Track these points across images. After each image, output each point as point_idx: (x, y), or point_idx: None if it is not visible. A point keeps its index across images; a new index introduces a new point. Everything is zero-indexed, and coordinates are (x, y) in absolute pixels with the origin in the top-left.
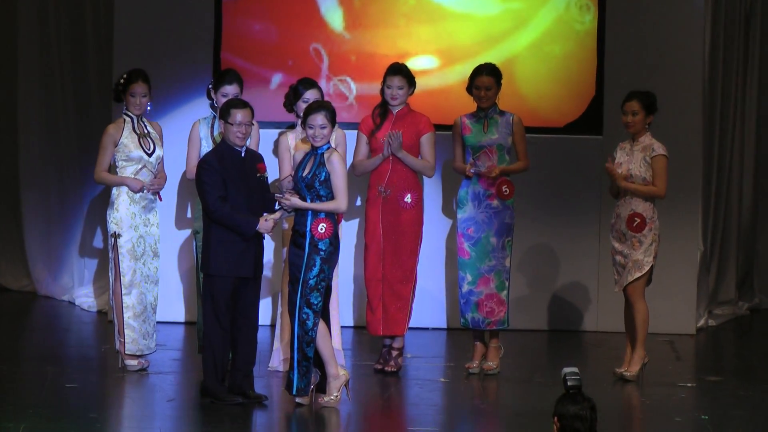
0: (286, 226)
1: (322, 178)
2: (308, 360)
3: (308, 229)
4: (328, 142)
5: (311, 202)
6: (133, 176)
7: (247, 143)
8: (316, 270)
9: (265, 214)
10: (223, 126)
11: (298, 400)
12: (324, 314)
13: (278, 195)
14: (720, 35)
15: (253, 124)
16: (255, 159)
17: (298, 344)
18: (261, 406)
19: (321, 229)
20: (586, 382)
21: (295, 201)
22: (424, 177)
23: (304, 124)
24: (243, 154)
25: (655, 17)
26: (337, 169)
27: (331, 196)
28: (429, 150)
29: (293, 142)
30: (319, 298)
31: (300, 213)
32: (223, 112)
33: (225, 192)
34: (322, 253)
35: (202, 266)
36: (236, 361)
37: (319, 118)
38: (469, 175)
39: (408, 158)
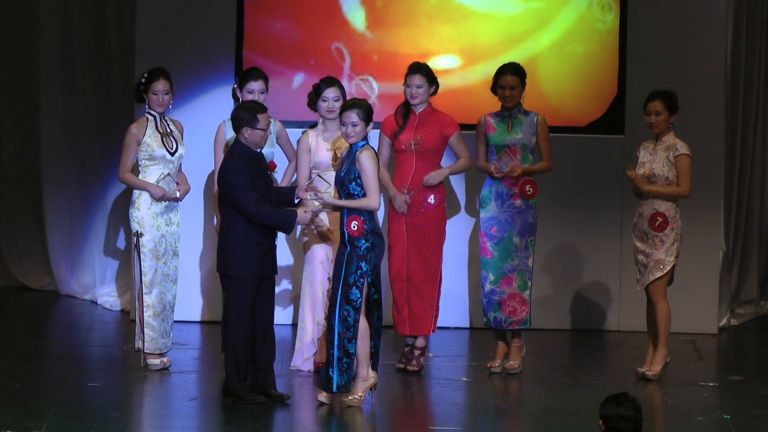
0: (326, 223)
1: (352, 175)
2: (350, 357)
3: (344, 227)
4: (364, 139)
5: (344, 199)
6: (156, 178)
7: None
8: (353, 267)
9: (305, 205)
10: (248, 131)
11: (320, 398)
12: (368, 314)
13: (311, 192)
14: (742, 33)
15: (265, 128)
16: (265, 158)
17: (339, 341)
18: (283, 405)
19: (353, 227)
20: (608, 382)
21: (327, 198)
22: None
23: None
24: (259, 153)
25: (676, 16)
26: (366, 167)
27: (362, 194)
28: (461, 146)
29: (314, 141)
30: (358, 295)
31: (338, 211)
32: (248, 119)
33: (258, 193)
34: (358, 250)
35: (222, 267)
36: (257, 360)
37: (352, 116)
38: (496, 176)
39: (441, 176)
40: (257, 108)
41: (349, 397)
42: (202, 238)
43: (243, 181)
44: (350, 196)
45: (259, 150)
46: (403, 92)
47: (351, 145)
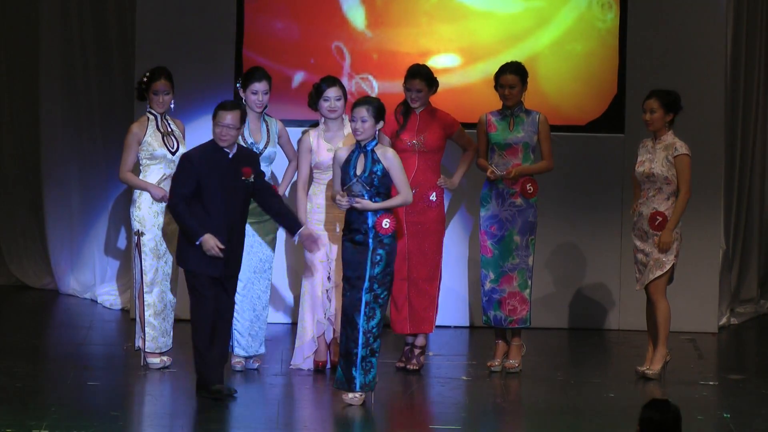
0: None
1: (380, 174)
2: (374, 355)
3: (371, 225)
4: (375, 138)
5: (371, 200)
6: (158, 179)
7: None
8: (382, 264)
9: (305, 226)
10: (213, 126)
11: (348, 400)
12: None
13: (346, 199)
14: (742, 33)
15: (239, 128)
16: (243, 162)
17: (364, 339)
18: (232, 399)
19: (385, 225)
20: (608, 381)
21: (366, 203)
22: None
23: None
24: (231, 156)
25: (676, 15)
26: (395, 164)
27: (388, 192)
28: (465, 138)
29: (315, 141)
30: (386, 292)
31: (355, 211)
32: (214, 112)
33: (193, 191)
34: (386, 247)
35: (178, 259)
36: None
37: (362, 111)
38: (490, 177)
39: (455, 181)
40: (224, 105)
41: (350, 396)
42: None
43: (183, 173)
44: (379, 194)
45: (231, 151)
46: (403, 91)
47: (360, 143)
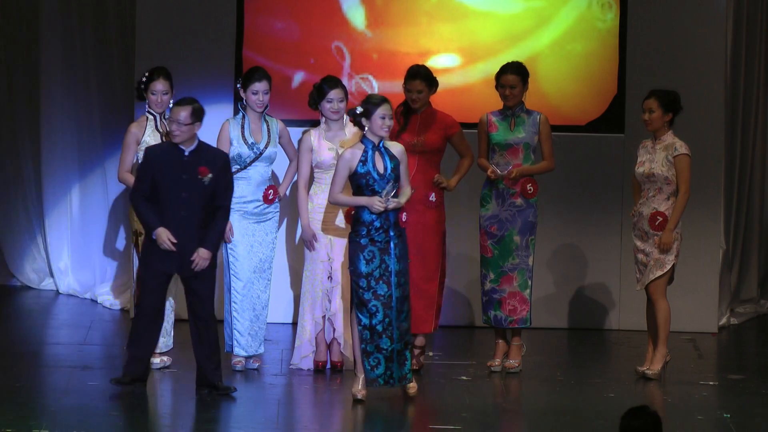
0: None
1: (398, 169)
2: (408, 347)
3: (393, 222)
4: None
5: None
6: None
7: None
8: (405, 258)
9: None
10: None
11: (411, 392)
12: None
13: (385, 201)
14: (742, 33)
15: (191, 123)
16: (201, 162)
17: (399, 335)
18: (230, 398)
19: (404, 218)
20: (608, 381)
21: (400, 202)
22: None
23: (367, 116)
24: (186, 153)
25: (676, 15)
26: (405, 159)
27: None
28: (464, 144)
29: (316, 141)
30: (408, 285)
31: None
32: (171, 109)
33: (149, 188)
34: (404, 240)
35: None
36: (196, 356)
37: (390, 110)
38: (490, 177)
39: (452, 184)
40: (178, 101)
41: (357, 392)
42: None
43: (141, 170)
44: (397, 189)
45: (188, 149)
46: (402, 91)
47: (375, 141)
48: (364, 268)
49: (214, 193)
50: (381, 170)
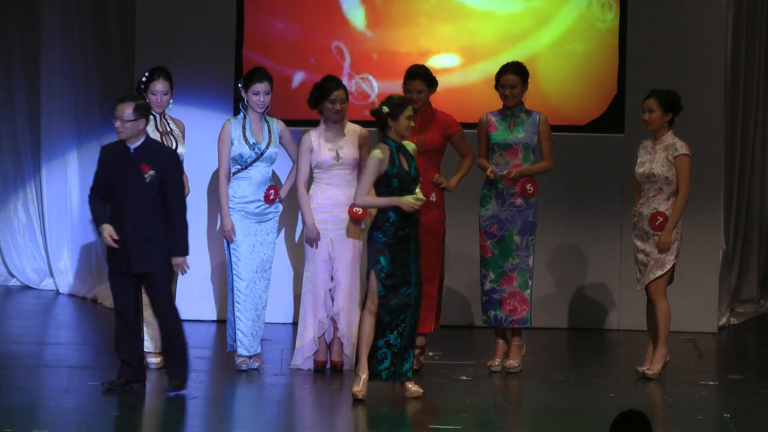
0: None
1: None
2: (413, 345)
3: (414, 221)
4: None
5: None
6: None
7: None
8: (419, 256)
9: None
10: None
11: (412, 394)
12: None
13: (417, 198)
14: (742, 33)
15: (133, 120)
16: (145, 159)
17: (410, 332)
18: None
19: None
20: (608, 381)
21: (424, 200)
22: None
23: (393, 117)
24: (132, 150)
25: (676, 15)
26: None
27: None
28: (464, 144)
29: (316, 141)
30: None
31: (403, 211)
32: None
33: (103, 186)
34: (418, 238)
35: None
36: (121, 354)
37: (412, 110)
38: (489, 177)
39: (452, 185)
40: (122, 98)
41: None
42: (202, 237)
43: (97, 166)
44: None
45: (133, 145)
46: (402, 92)
47: (398, 141)
48: (389, 266)
49: (164, 191)
50: (407, 169)
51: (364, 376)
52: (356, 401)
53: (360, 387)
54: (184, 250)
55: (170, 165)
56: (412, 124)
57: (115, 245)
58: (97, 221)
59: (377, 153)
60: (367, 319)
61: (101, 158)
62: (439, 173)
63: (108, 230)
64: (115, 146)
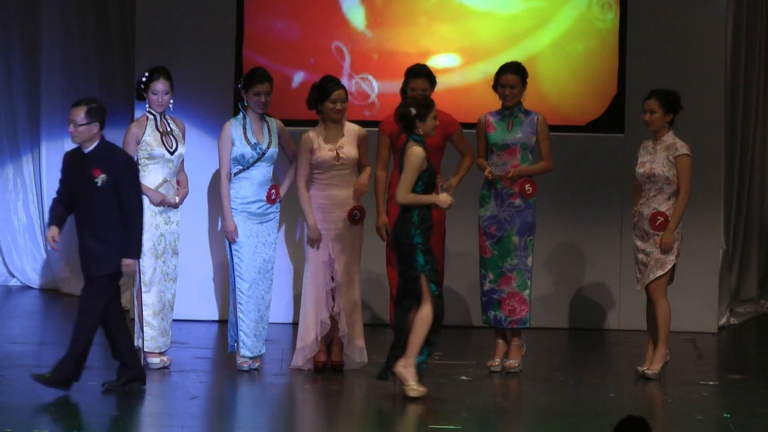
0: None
1: None
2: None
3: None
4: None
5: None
6: (157, 184)
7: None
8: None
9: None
10: None
11: (413, 393)
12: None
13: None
14: (742, 33)
15: (85, 124)
16: (96, 163)
17: (436, 325)
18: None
19: None
20: (607, 381)
21: None
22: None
23: (421, 118)
24: (86, 153)
25: (676, 15)
26: None
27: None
28: (463, 143)
29: (316, 141)
30: None
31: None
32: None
33: (64, 191)
34: None
35: None
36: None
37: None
38: (488, 177)
39: (453, 184)
40: (76, 102)
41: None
42: (202, 236)
43: (61, 172)
44: None
45: (88, 149)
46: (400, 93)
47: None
48: (432, 264)
49: (118, 194)
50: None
51: (416, 382)
52: (414, 399)
53: (417, 385)
54: (135, 253)
55: (123, 168)
56: (437, 123)
57: (54, 248)
58: (49, 223)
59: (420, 150)
60: (426, 324)
61: (62, 164)
62: (439, 173)
63: (51, 233)
64: (74, 151)
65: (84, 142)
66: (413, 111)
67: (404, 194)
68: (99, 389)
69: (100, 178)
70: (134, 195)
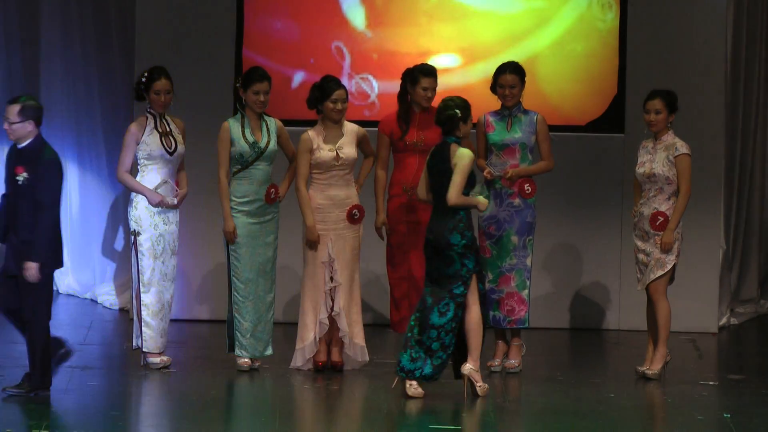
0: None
1: None
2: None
3: None
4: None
5: None
6: (155, 183)
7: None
8: None
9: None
10: None
11: (413, 392)
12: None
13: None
14: (742, 33)
15: (19, 122)
16: (20, 160)
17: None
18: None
19: None
20: (608, 381)
21: None
22: None
23: (464, 120)
24: (18, 149)
25: (677, 15)
26: None
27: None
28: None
29: (316, 141)
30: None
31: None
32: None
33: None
34: None
35: None
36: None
37: None
38: (487, 177)
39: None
40: (11, 99)
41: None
42: (202, 237)
43: None
44: None
45: (22, 145)
46: (398, 95)
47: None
48: (477, 263)
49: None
50: None
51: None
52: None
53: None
54: (37, 256)
55: (44, 167)
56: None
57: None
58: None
59: (470, 153)
60: (480, 324)
61: (7, 154)
62: None
63: None
64: (11, 147)
65: (18, 139)
66: (458, 113)
67: (457, 196)
68: (99, 389)
69: (22, 176)
70: (48, 196)
